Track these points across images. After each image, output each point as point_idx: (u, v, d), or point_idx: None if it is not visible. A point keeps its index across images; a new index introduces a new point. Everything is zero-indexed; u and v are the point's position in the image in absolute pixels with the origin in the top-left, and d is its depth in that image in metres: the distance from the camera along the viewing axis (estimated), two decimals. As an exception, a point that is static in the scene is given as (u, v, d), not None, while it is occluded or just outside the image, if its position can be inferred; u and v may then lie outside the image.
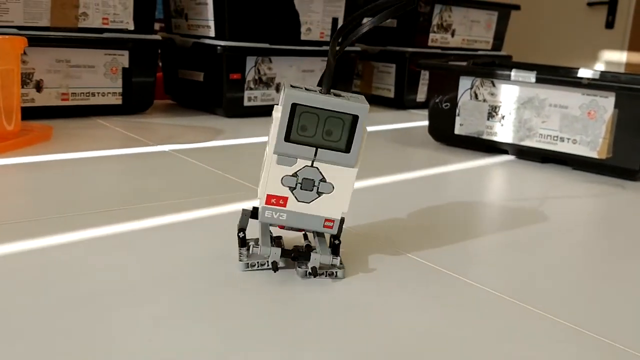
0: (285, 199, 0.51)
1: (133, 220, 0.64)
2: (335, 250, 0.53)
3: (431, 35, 1.62)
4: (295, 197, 0.51)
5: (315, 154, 0.49)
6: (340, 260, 0.54)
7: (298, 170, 0.50)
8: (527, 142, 1.06)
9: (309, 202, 0.51)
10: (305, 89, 0.49)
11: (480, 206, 0.77)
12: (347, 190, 0.51)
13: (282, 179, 0.50)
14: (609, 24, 2.38)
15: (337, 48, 0.48)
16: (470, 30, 1.69)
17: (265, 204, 0.51)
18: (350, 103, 0.48)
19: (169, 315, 0.44)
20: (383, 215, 0.71)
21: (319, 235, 0.55)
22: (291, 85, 0.49)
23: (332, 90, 0.50)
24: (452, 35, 1.66)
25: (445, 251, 0.61)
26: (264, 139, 1.13)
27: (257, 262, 0.52)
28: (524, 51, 2.41)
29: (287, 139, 0.49)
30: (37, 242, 0.56)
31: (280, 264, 0.53)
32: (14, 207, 0.66)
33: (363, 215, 0.71)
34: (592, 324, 0.47)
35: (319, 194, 0.51)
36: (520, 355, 0.42)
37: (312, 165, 0.50)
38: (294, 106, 0.48)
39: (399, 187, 0.84)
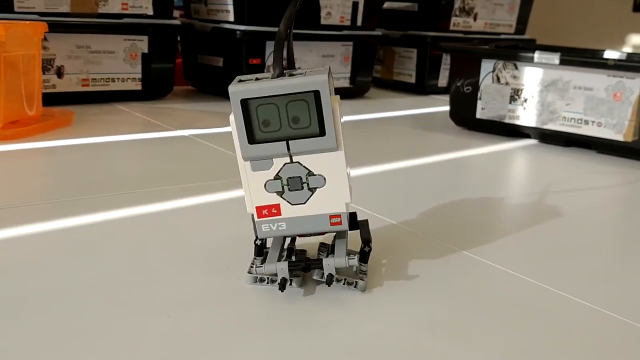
0: (278, 207, 0.45)
1: (152, 203, 0.64)
2: (363, 257, 0.48)
3: (453, 19, 1.59)
4: (288, 201, 0.45)
5: (289, 148, 0.43)
6: (365, 270, 0.48)
7: (279, 171, 0.44)
8: (550, 126, 1.04)
9: (304, 203, 0.45)
10: (256, 78, 0.43)
11: (505, 192, 0.76)
12: (342, 177, 0.44)
13: (264, 185, 0.44)
14: (637, 7, 2.33)
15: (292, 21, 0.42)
16: (492, 13, 1.66)
17: (258, 217, 0.45)
18: (305, 79, 0.41)
19: (180, 300, 0.44)
20: (405, 203, 0.70)
21: (338, 236, 0.48)
22: (239, 80, 0.43)
23: (286, 71, 0.43)
24: (475, 19, 1.63)
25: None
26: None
27: (268, 278, 0.46)
28: (548, 35, 2.37)
29: (252, 140, 0.43)
30: (57, 223, 0.57)
31: (294, 285, 0.46)
32: (36, 189, 0.66)
33: (384, 203, 0.70)
34: None
35: (312, 190, 0.44)
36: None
37: (292, 161, 0.44)
38: (244, 102, 0.41)
39: (420, 173, 0.83)
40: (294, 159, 0.44)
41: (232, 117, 0.42)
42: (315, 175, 0.44)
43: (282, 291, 0.44)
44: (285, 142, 0.43)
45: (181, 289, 0.45)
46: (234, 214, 0.61)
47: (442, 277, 0.49)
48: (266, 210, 0.45)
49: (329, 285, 0.45)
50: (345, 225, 0.46)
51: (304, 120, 0.42)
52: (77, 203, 0.62)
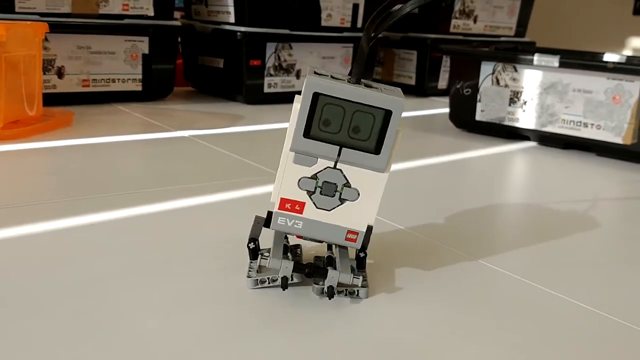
0: (302, 205, 0.44)
1: (152, 204, 0.64)
2: (360, 263, 0.47)
3: (453, 22, 1.59)
4: (314, 203, 0.44)
5: (339, 154, 0.43)
6: (365, 276, 0.47)
7: (318, 172, 0.43)
8: (550, 128, 1.04)
9: (329, 210, 0.44)
10: (332, 76, 0.42)
11: (505, 195, 0.76)
12: (375, 198, 0.44)
13: (299, 181, 0.44)
14: (637, 10, 2.33)
15: (372, 34, 0.42)
16: (493, 16, 1.67)
17: (279, 209, 0.44)
18: (382, 96, 0.41)
19: (179, 300, 0.44)
20: (406, 205, 0.71)
21: (342, 247, 0.47)
22: (315, 72, 0.42)
23: (362, 81, 0.43)
24: (475, 21, 1.63)
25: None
26: (284, 125, 1.12)
27: (268, 278, 0.45)
28: (548, 38, 2.37)
29: (307, 134, 0.42)
30: (57, 223, 0.57)
31: (294, 280, 0.46)
32: (36, 189, 0.66)
33: (385, 205, 0.70)
34: None
35: (342, 201, 0.44)
36: None
37: (334, 167, 0.43)
38: (316, 96, 0.41)
39: (420, 175, 0.84)
40: (338, 165, 0.43)
41: (295, 105, 0.42)
42: (351, 188, 0.44)
43: (284, 289, 0.44)
44: (338, 147, 0.43)
45: (180, 289, 0.45)
46: (234, 215, 0.62)
47: (445, 280, 0.49)
48: (289, 204, 0.44)
49: (331, 298, 0.44)
50: (358, 244, 0.45)
51: (364, 132, 0.42)
52: (77, 203, 0.62)
